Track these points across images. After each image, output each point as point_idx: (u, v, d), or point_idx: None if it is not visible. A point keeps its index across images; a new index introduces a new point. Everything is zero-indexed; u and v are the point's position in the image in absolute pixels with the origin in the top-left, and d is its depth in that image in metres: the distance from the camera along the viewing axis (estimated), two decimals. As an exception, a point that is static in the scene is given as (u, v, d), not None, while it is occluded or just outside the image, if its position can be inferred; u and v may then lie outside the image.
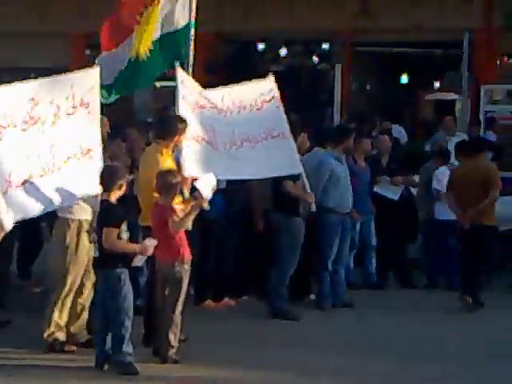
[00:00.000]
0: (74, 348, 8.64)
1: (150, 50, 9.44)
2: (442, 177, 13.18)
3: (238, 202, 10.85)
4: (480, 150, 12.86)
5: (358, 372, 8.52)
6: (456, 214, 12.30)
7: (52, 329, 8.67)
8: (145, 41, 9.43)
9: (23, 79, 8.77)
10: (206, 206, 8.38)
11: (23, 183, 7.32)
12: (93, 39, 18.25)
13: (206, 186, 8.27)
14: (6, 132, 6.98)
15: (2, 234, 7.15)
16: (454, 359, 9.13)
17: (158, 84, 16.42)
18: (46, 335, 8.64)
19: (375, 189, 12.68)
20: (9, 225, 6.94)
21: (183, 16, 9.42)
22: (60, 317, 8.73)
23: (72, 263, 8.60)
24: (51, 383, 7.61)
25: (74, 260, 8.60)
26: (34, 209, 7.38)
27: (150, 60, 9.48)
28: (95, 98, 8.70)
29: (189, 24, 9.38)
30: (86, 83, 8.70)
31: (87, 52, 19.35)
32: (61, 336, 8.72)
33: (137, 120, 11.23)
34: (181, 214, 8.26)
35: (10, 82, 8.56)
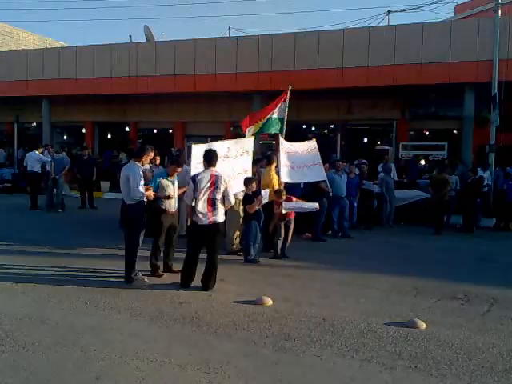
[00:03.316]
0: (241, 253, 8.56)
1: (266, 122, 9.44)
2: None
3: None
4: (443, 170, 12.68)
5: (358, 262, 8.39)
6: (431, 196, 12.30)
7: (233, 245, 8.78)
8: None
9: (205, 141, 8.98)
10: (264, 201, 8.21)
11: None
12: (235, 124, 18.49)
13: (265, 196, 8.24)
14: (220, 160, 6.88)
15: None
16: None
17: (261, 142, 16.36)
18: (231, 247, 8.75)
19: (365, 186, 12.34)
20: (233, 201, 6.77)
21: (282, 112, 9.35)
22: (235, 239, 8.84)
23: (237, 216, 8.62)
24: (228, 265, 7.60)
25: (237, 215, 8.62)
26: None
27: (264, 126, 9.45)
28: (251, 149, 8.78)
29: (284, 117, 9.34)
30: (248, 142, 8.76)
31: (231, 129, 19.38)
32: (235, 248, 8.79)
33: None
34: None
35: (201, 142, 8.68)
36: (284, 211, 8.43)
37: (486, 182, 13.20)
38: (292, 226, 8.72)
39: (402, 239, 11.08)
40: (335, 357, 4.38)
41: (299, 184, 10.09)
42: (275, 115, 9.37)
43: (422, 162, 16.74)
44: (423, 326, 5.17)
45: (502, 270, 8.17)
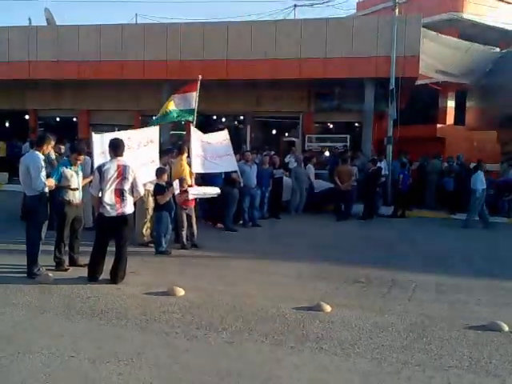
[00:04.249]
0: (152, 244, 8.37)
1: (172, 110, 9.18)
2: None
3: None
4: (346, 161, 13.09)
5: (267, 251, 8.54)
6: (338, 186, 12.66)
7: (143, 236, 8.56)
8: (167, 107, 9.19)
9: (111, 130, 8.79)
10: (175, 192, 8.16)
11: None
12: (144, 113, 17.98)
13: (177, 186, 8.14)
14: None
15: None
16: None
17: (171, 132, 16.12)
18: (141, 239, 8.52)
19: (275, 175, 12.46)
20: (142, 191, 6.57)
21: (192, 103, 9.14)
22: (146, 231, 8.60)
23: (147, 208, 8.44)
24: (138, 257, 7.42)
25: (147, 206, 8.44)
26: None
27: (171, 114, 9.19)
28: (157, 138, 8.51)
29: (195, 108, 9.14)
30: (153, 132, 8.51)
31: (140, 118, 18.89)
32: (145, 239, 8.57)
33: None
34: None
35: (107, 131, 8.45)
36: (190, 197, 8.40)
37: (383, 172, 14.01)
38: (194, 215, 8.68)
39: (309, 227, 11.46)
40: (246, 342, 4.46)
41: (221, 174, 10.10)
42: (182, 107, 9.21)
43: (327, 153, 17.33)
44: (328, 308, 5.40)
45: (399, 255, 8.73)
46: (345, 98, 17.55)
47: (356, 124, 18.44)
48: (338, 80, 15.91)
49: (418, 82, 17.44)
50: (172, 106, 9.14)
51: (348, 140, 17.51)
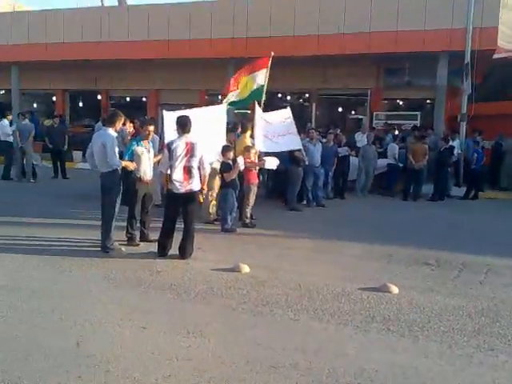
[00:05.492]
0: (217, 222, 8.53)
1: (247, 95, 9.33)
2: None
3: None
4: (423, 138, 12.74)
5: (332, 231, 8.51)
6: (412, 164, 12.39)
7: (209, 214, 8.70)
8: (243, 91, 9.31)
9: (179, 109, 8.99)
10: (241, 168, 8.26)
11: None
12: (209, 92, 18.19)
13: (242, 163, 8.23)
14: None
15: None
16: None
17: (236, 111, 16.17)
18: (208, 217, 8.67)
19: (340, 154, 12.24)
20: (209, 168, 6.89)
21: (262, 80, 9.21)
22: (212, 209, 8.76)
23: (214, 186, 8.57)
24: (205, 234, 7.60)
25: (214, 184, 8.55)
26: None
27: (246, 98, 9.35)
28: (224, 116, 8.72)
29: (264, 85, 9.19)
30: (220, 110, 8.68)
31: (206, 97, 19.10)
32: (211, 217, 8.73)
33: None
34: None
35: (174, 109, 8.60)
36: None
37: (455, 150, 13.47)
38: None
39: (374, 208, 11.27)
40: (311, 320, 4.50)
41: (287, 153, 10.09)
42: (258, 83, 9.29)
43: (396, 132, 16.82)
44: (396, 290, 5.33)
45: (470, 237, 8.43)
46: (416, 74, 16.90)
47: (427, 101, 17.75)
48: (409, 54, 15.33)
49: (496, 56, 16.49)
50: (252, 87, 9.30)
51: (419, 117, 16.93)
